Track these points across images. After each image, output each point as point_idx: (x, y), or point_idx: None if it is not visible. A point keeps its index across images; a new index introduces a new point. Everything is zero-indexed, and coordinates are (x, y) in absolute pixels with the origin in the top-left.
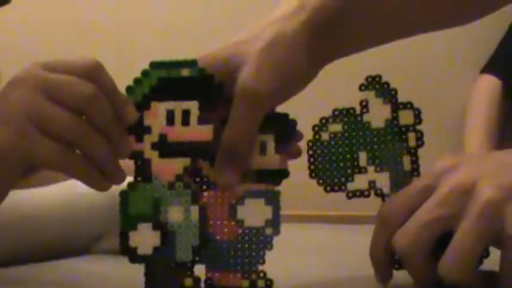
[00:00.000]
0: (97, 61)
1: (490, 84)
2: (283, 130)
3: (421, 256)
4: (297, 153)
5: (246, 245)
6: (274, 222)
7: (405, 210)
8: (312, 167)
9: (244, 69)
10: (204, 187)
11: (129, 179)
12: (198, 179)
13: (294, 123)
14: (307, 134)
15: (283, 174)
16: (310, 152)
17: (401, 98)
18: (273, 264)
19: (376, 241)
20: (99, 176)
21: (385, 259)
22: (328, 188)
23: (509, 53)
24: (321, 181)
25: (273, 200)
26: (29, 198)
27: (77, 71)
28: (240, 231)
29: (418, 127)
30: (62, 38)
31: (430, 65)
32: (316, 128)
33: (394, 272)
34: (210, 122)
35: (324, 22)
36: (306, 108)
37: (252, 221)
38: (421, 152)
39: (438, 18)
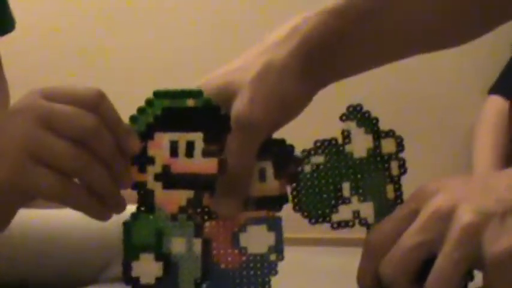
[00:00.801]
0: (99, 90)
1: (498, 105)
2: (281, 155)
3: (406, 282)
4: (295, 178)
5: (251, 272)
6: (278, 248)
7: (390, 237)
8: (296, 200)
9: (238, 99)
10: (206, 217)
11: (131, 207)
12: (199, 210)
13: (291, 148)
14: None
15: (283, 199)
16: (294, 185)
17: (406, 120)
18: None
19: (363, 270)
20: (99, 206)
21: (372, 286)
22: (313, 220)
23: None
24: (305, 214)
25: (275, 226)
26: (38, 222)
27: (78, 101)
28: (243, 258)
29: (401, 154)
30: (63, 63)
31: (436, 87)
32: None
33: None
34: (215, 154)
35: (318, 46)
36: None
37: (255, 248)
38: (430, 174)
39: (439, 37)
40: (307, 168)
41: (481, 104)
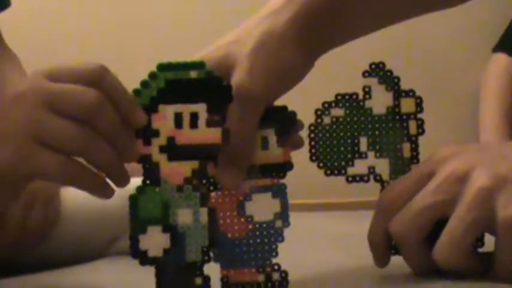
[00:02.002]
0: (101, 65)
1: (503, 62)
2: (283, 123)
3: (416, 242)
4: (298, 144)
5: (258, 240)
6: (283, 215)
7: (404, 197)
8: (313, 150)
9: (237, 71)
10: (211, 188)
11: (135, 180)
12: (204, 181)
13: (293, 114)
14: (310, 118)
15: (287, 167)
16: (312, 135)
17: (412, 80)
18: (285, 255)
19: (375, 227)
20: (103, 184)
21: (383, 244)
22: (328, 172)
23: None
24: (321, 165)
25: (280, 193)
26: None
27: (80, 77)
28: (250, 227)
29: (420, 115)
30: (63, 42)
31: (440, 45)
32: (319, 112)
33: (395, 256)
34: (219, 124)
35: (316, 12)
36: (309, 92)
37: (261, 216)
38: (437, 134)
39: None
40: (327, 120)
41: (486, 62)
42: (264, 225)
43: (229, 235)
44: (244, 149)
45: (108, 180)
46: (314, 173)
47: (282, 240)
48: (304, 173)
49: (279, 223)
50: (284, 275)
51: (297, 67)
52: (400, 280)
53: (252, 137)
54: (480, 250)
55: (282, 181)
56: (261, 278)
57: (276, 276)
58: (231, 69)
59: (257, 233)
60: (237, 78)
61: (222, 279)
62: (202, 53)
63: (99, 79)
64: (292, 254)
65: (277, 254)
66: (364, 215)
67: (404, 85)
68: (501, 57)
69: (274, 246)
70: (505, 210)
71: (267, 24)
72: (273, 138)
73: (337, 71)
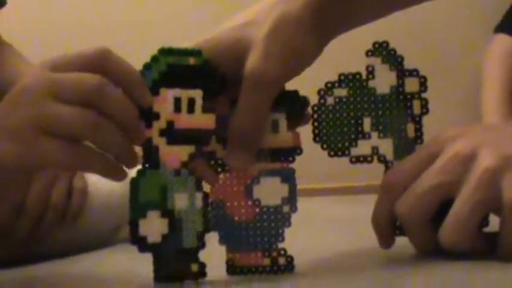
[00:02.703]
0: (103, 48)
1: (504, 43)
2: (294, 107)
3: (421, 222)
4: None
5: (265, 224)
6: (291, 200)
7: (408, 177)
8: (316, 131)
9: (252, 54)
10: (219, 169)
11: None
12: (212, 162)
13: (304, 99)
14: (313, 99)
15: (296, 151)
16: (315, 116)
17: (413, 60)
18: (289, 239)
19: (379, 208)
20: (114, 166)
21: (388, 225)
22: (331, 153)
23: None
24: (325, 146)
25: (289, 177)
26: None
27: (83, 63)
28: (257, 210)
29: (424, 94)
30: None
31: (441, 25)
32: (322, 92)
33: (399, 237)
34: (213, 110)
35: None
36: (312, 72)
37: (268, 200)
38: (438, 114)
39: None
40: (330, 101)
41: (488, 42)
42: (272, 209)
43: (236, 218)
44: (255, 132)
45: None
46: (317, 157)
47: (289, 225)
48: (306, 157)
49: (286, 208)
50: (290, 259)
51: (310, 51)
52: (405, 261)
53: (264, 120)
54: (485, 230)
55: (291, 166)
56: (266, 262)
57: (282, 260)
58: (247, 51)
59: (264, 216)
60: (253, 61)
61: (227, 262)
62: (215, 32)
63: (100, 63)
64: (297, 238)
65: (283, 239)
66: (367, 199)
67: (408, 66)
68: (503, 38)
69: (281, 231)
70: (510, 191)
71: (282, 7)
72: (283, 122)
73: (340, 51)
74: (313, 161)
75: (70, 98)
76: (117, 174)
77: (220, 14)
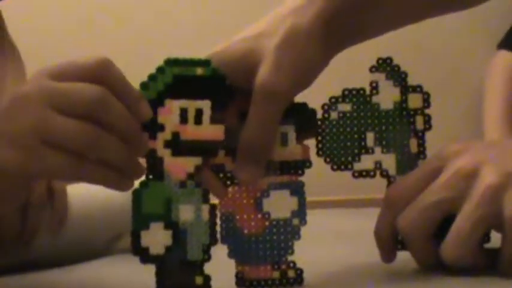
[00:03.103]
0: (104, 59)
1: (507, 60)
2: (304, 120)
3: (423, 238)
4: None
5: (274, 237)
6: (301, 213)
7: (411, 192)
8: (320, 145)
9: (263, 66)
10: (228, 182)
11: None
12: (221, 175)
13: (313, 112)
14: (317, 113)
15: (306, 164)
16: (319, 130)
17: (416, 75)
18: (299, 252)
19: (381, 222)
20: (118, 177)
21: (390, 240)
22: (334, 167)
23: None
24: (328, 160)
25: (298, 190)
26: None
27: (83, 74)
28: (267, 223)
29: (427, 111)
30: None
31: (445, 41)
32: (326, 107)
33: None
34: (222, 121)
35: (342, 9)
36: (316, 87)
37: (278, 213)
38: (440, 129)
39: None
40: (334, 115)
41: (490, 59)
42: (281, 222)
43: (245, 231)
44: (264, 145)
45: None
46: (320, 170)
47: (299, 238)
48: (311, 170)
49: (296, 221)
50: (299, 272)
51: (319, 64)
52: (407, 276)
53: (274, 133)
54: (486, 245)
55: (300, 179)
56: (276, 274)
57: (291, 273)
58: (257, 63)
59: (274, 229)
60: (263, 73)
61: (237, 275)
62: (226, 44)
63: (102, 74)
64: (304, 250)
65: (293, 252)
66: (371, 212)
67: (410, 81)
68: (505, 54)
69: (290, 244)
70: None
71: (293, 18)
72: (292, 135)
73: (345, 66)
74: (318, 173)
75: (71, 109)
76: (120, 186)
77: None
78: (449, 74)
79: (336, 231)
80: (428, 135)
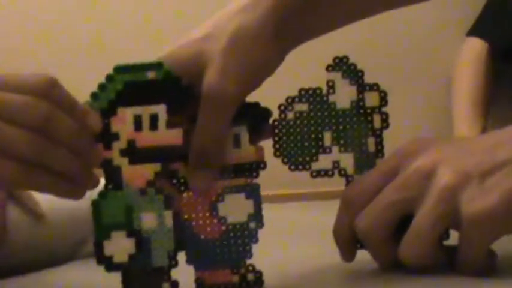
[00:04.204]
0: (51, 77)
1: (477, 47)
2: (256, 120)
3: (381, 238)
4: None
5: (232, 241)
6: (257, 216)
7: (368, 192)
8: (277, 145)
9: (209, 70)
10: (182, 188)
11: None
12: (175, 181)
13: (266, 110)
14: (273, 114)
15: (260, 166)
16: (276, 130)
17: (384, 66)
18: (260, 249)
19: (340, 222)
20: (68, 186)
21: (348, 239)
22: (292, 167)
23: (497, 15)
24: (285, 160)
25: (253, 193)
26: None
27: (30, 89)
28: (223, 228)
29: (384, 108)
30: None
31: (413, 29)
32: (282, 107)
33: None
34: (179, 125)
35: (288, 6)
36: (272, 87)
37: (234, 217)
38: (410, 115)
39: None
40: (290, 116)
41: (460, 46)
42: (238, 226)
43: (202, 236)
44: (215, 151)
45: None
46: (280, 163)
47: (256, 241)
48: (271, 163)
49: (252, 224)
50: (259, 275)
51: (269, 63)
52: (368, 274)
53: (224, 138)
54: (445, 243)
55: (255, 181)
56: (235, 279)
57: (250, 277)
58: (204, 67)
59: (231, 234)
60: (210, 78)
61: (196, 281)
62: (173, 47)
63: (47, 91)
64: (263, 248)
65: (251, 255)
66: (331, 204)
67: (377, 73)
68: (475, 42)
69: (248, 247)
70: (469, 207)
71: (240, 19)
72: (245, 136)
73: (301, 66)
74: (278, 167)
75: (19, 120)
76: (71, 194)
77: None
78: (416, 62)
79: (297, 226)
80: (399, 125)
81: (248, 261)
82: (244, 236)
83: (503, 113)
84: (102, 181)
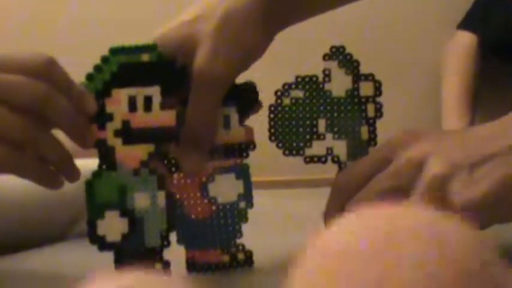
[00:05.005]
0: (49, 57)
1: (466, 40)
2: (245, 101)
3: None
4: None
5: (222, 221)
6: (247, 196)
7: (360, 179)
8: (272, 130)
9: (199, 52)
10: (173, 169)
11: (94, 162)
12: (166, 162)
13: (255, 92)
14: (270, 99)
15: (250, 146)
16: (271, 115)
17: (372, 55)
18: (250, 235)
19: (330, 208)
20: (50, 175)
21: None
22: (286, 152)
23: (486, 9)
24: (280, 145)
25: (243, 173)
26: None
27: (28, 69)
28: (214, 208)
29: (378, 98)
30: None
31: (403, 21)
32: (279, 93)
33: None
34: (173, 106)
35: None
36: (270, 73)
37: (224, 197)
38: (399, 106)
39: None
40: (286, 101)
41: (449, 40)
42: (228, 206)
43: (193, 216)
44: (206, 132)
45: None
46: (275, 149)
47: (246, 220)
48: (265, 149)
49: (242, 204)
50: (249, 254)
51: (259, 45)
52: None
53: (214, 119)
54: None
55: (245, 161)
56: (225, 258)
57: (240, 256)
58: (195, 49)
59: (221, 214)
60: (200, 59)
61: (187, 261)
62: (164, 29)
63: (46, 71)
64: (254, 235)
65: (241, 235)
66: (323, 192)
67: (368, 63)
68: (464, 35)
69: (238, 227)
70: (458, 196)
71: (229, 2)
72: (235, 117)
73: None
74: (270, 153)
75: (15, 102)
76: (51, 184)
77: None
78: (406, 55)
79: (289, 213)
80: (387, 118)
81: (238, 241)
82: (234, 215)
83: (492, 105)
84: (92, 162)
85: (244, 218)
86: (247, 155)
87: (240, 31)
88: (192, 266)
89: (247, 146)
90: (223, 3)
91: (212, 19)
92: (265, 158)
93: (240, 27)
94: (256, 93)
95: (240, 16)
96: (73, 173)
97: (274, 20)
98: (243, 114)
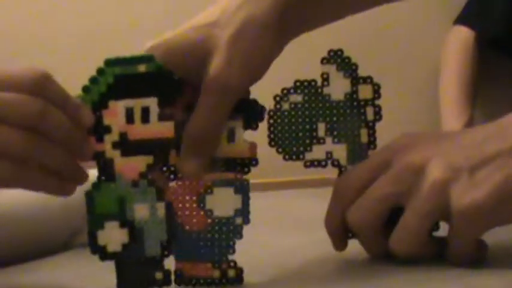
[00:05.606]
0: (43, 72)
1: (463, 36)
2: (252, 116)
3: (372, 229)
4: None
5: (216, 235)
6: (244, 212)
7: (360, 184)
8: (272, 135)
9: (216, 57)
10: (172, 177)
11: (94, 172)
12: (164, 169)
13: (262, 108)
14: (269, 104)
15: (252, 163)
16: (271, 121)
17: (369, 53)
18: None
19: (331, 213)
20: (58, 183)
21: (340, 230)
22: (286, 157)
23: (483, 3)
24: (280, 150)
25: (242, 189)
26: None
27: (21, 85)
28: (209, 221)
29: (377, 101)
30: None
31: (399, 18)
32: (278, 98)
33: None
34: (171, 117)
35: None
36: (269, 78)
37: (221, 211)
38: (396, 105)
39: None
40: (286, 106)
41: (447, 35)
42: (224, 220)
43: (186, 227)
44: (211, 138)
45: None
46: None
47: (241, 237)
48: (265, 150)
49: (239, 220)
50: (239, 272)
51: (273, 55)
52: (360, 263)
53: (222, 126)
54: (436, 234)
55: (245, 177)
56: (216, 273)
57: (231, 273)
58: (209, 54)
59: (216, 227)
60: (217, 65)
61: (175, 272)
62: (176, 32)
63: (41, 87)
64: (254, 237)
65: (234, 251)
66: (323, 192)
67: (365, 62)
68: (461, 30)
69: (231, 243)
70: (459, 200)
71: (247, 9)
72: (240, 131)
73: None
74: (271, 155)
75: (11, 119)
76: (62, 191)
77: None
78: (405, 56)
79: (289, 214)
80: (386, 114)
81: (230, 257)
82: (229, 231)
83: (490, 100)
84: (93, 173)
85: (239, 234)
86: (249, 171)
87: (257, 40)
88: (180, 278)
89: (249, 161)
90: (241, 9)
91: (230, 25)
92: (263, 158)
93: (258, 36)
94: (263, 110)
95: (258, 24)
96: (80, 176)
97: (287, 30)
98: (249, 129)
